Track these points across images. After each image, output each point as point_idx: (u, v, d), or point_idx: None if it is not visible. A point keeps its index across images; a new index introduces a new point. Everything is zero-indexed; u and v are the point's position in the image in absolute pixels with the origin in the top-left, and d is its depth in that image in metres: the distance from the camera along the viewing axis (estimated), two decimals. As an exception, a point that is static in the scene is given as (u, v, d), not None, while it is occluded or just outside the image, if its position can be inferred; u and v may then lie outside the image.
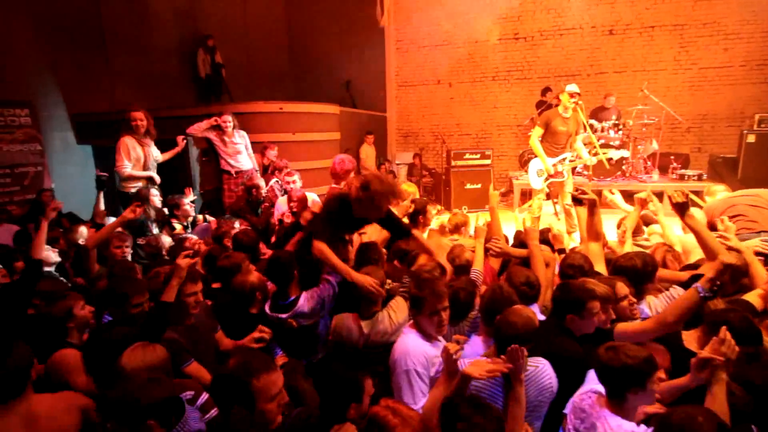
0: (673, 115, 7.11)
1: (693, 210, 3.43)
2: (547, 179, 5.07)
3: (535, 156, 5.16)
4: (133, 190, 4.36)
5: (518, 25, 8.92)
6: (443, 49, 9.30)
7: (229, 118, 5.23)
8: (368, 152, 8.22)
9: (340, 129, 7.18)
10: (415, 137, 9.95)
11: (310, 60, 9.96)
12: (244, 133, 5.47)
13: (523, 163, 7.94)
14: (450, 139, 9.63)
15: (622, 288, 2.14)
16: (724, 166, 6.47)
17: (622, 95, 8.02)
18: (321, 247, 2.37)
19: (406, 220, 4.47)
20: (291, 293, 2.47)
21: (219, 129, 5.26)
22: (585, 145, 5.18)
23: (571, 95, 4.82)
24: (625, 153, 4.73)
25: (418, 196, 4.76)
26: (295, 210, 4.17)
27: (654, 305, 2.29)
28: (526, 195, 7.17)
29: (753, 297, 2.26)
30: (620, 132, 6.94)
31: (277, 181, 5.26)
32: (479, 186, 7.10)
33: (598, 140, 5.88)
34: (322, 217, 2.56)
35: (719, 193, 3.80)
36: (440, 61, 9.37)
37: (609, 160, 4.90)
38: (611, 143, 6.91)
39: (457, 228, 3.98)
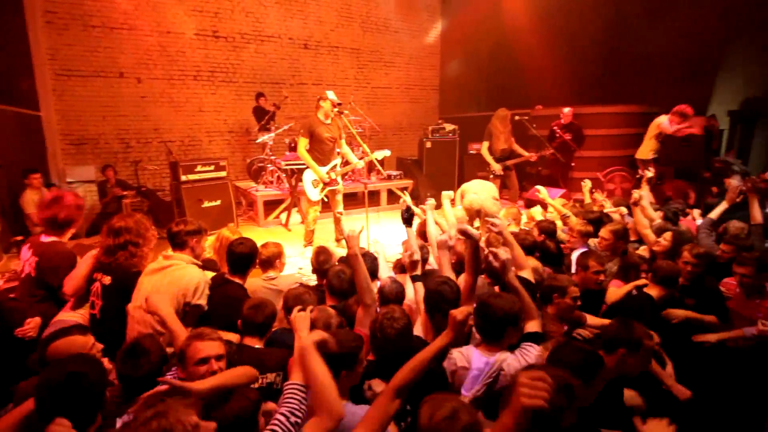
0: (372, 125, 8.37)
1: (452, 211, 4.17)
2: (323, 189, 4.90)
3: (306, 167, 4.90)
4: None
5: (216, 22, 8.14)
6: (124, 34, 7.33)
7: None
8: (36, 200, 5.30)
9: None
10: (94, 145, 7.46)
11: None
12: None
13: (253, 173, 7.45)
14: (147, 147, 7.83)
15: None
16: (413, 165, 8.22)
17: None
18: None
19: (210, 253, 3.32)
20: None
21: None
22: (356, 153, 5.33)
23: (334, 104, 4.81)
24: (387, 153, 5.14)
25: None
26: None
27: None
28: (270, 206, 6.78)
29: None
30: (340, 139, 7.57)
31: None
32: (219, 202, 6.10)
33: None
34: None
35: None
36: (122, 48, 7.34)
37: (372, 162, 5.20)
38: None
39: (269, 263, 3.15)
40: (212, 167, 6.12)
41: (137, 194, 6.60)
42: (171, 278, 2.51)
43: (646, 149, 6.52)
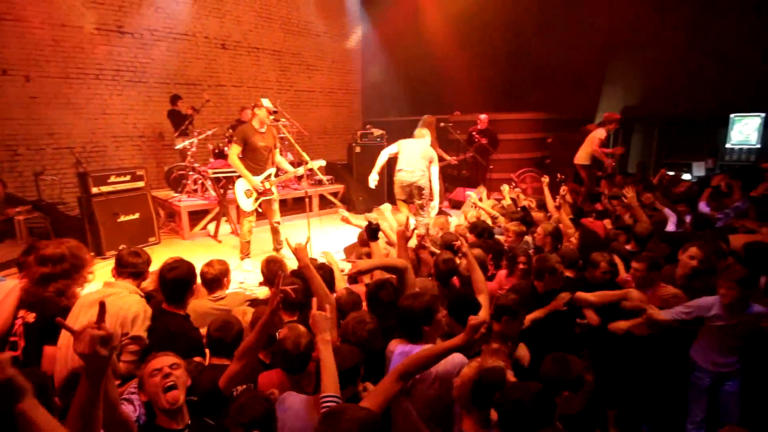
0: (300, 129, 8.25)
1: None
2: (257, 199, 4.76)
3: (239, 176, 4.72)
4: None
5: (121, 16, 7.42)
6: (7, 25, 6.37)
7: None
8: None
9: None
10: (-28, 154, 6.40)
11: None
12: None
13: (172, 182, 6.96)
14: (40, 155, 6.92)
15: None
16: (343, 170, 8.26)
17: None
18: None
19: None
20: None
21: None
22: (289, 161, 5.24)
23: (269, 112, 4.70)
24: (322, 162, 5.13)
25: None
26: None
27: None
28: (194, 217, 6.39)
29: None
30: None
31: None
32: (137, 216, 5.59)
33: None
34: None
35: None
36: (5, 41, 6.38)
37: (311, 169, 5.16)
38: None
39: (217, 282, 3.00)
40: (128, 177, 5.59)
41: (33, 209, 5.80)
42: (109, 311, 2.29)
43: (584, 155, 6.97)
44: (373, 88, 11.45)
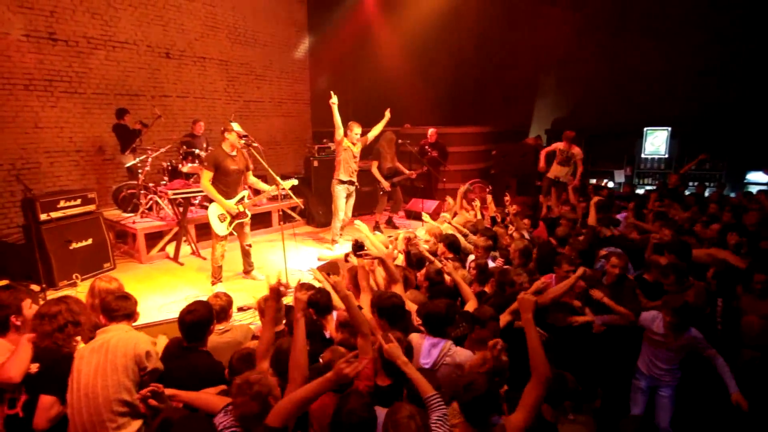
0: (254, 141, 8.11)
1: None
2: (231, 222, 4.71)
3: (211, 201, 4.64)
4: None
5: (53, 22, 6.85)
6: None
7: None
8: None
9: None
10: None
11: None
12: None
13: (121, 202, 6.58)
14: (-40, 174, 6.21)
15: None
16: (301, 183, 8.24)
17: (189, 121, 7.95)
18: None
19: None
20: None
21: None
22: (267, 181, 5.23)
23: (240, 135, 4.67)
24: (294, 181, 5.16)
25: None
26: None
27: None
28: (154, 238, 6.10)
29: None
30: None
31: None
32: (90, 241, 5.24)
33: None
34: None
35: None
36: None
37: (283, 189, 5.17)
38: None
39: (223, 314, 3.03)
40: (78, 201, 5.22)
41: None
42: (116, 352, 2.30)
43: (563, 172, 7.55)
44: (322, 98, 11.46)
